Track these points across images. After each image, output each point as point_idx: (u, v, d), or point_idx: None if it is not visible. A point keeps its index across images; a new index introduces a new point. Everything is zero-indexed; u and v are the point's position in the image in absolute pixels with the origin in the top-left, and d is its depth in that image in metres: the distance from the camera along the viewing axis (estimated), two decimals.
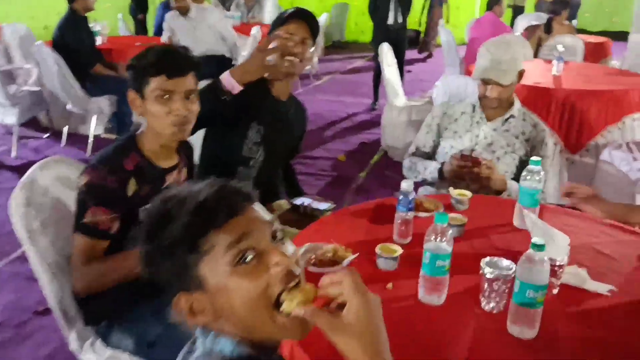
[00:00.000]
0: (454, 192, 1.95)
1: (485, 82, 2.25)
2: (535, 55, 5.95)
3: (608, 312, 1.38)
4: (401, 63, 6.50)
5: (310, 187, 4.06)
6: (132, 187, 1.60)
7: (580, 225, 1.79)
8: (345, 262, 1.50)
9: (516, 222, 1.80)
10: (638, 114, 3.87)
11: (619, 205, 1.84)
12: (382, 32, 6.25)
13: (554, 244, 1.38)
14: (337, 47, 12.01)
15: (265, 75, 1.98)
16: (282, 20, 2.06)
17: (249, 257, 0.85)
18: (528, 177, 1.76)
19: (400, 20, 6.33)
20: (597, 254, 1.64)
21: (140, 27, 8.38)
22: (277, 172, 2.28)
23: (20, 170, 4.14)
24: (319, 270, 1.46)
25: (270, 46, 1.91)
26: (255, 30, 5.96)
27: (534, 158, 1.76)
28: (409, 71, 8.64)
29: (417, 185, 2.51)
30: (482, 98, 2.33)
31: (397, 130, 4.62)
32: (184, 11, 5.32)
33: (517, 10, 11.26)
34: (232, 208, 0.87)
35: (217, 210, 0.85)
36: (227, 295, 0.84)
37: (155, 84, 1.57)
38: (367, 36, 12.61)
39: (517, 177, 2.33)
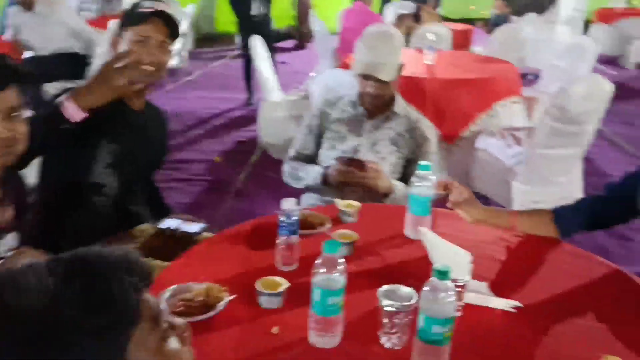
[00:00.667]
0: (342, 203, 1.76)
1: (366, 77, 2.10)
2: (406, 45, 6.01)
3: (516, 333, 1.26)
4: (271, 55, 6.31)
5: (184, 195, 3.74)
6: None
7: (475, 232, 1.69)
8: (221, 305, 1.25)
9: (408, 232, 1.65)
10: (505, 100, 3.96)
11: (488, 210, 1.73)
12: (247, 23, 6.01)
13: (455, 263, 1.24)
14: (208, 39, 11.54)
15: None
16: (135, 19, 1.75)
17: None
18: (417, 184, 1.61)
19: (263, 10, 6.14)
20: (496, 264, 1.53)
21: None
22: (137, 195, 1.96)
23: None
24: (188, 320, 1.20)
25: (120, 64, 1.58)
26: (112, 24, 5.43)
27: (422, 162, 1.63)
28: (283, 62, 8.47)
29: (300, 192, 2.33)
30: (362, 95, 2.17)
31: (275, 127, 4.41)
32: (28, 5, 4.70)
33: None
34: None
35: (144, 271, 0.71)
36: None
37: None
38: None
39: (403, 177, 2.22)
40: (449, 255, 1.26)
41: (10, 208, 1.39)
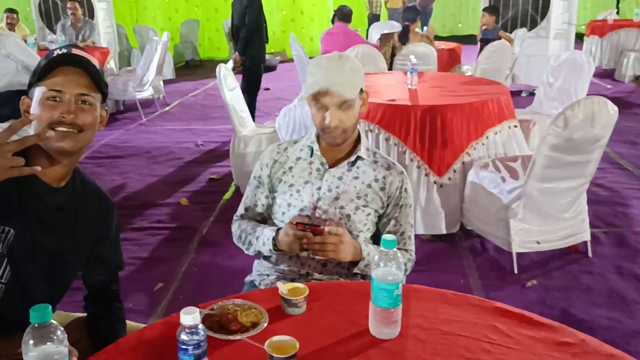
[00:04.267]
0: (284, 288, 1.35)
1: (323, 103, 1.67)
2: (390, 67, 5.64)
3: None
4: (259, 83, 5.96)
5: (141, 248, 3.30)
6: None
7: (464, 320, 1.27)
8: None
9: (372, 330, 1.24)
10: (499, 126, 3.57)
11: None
12: (261, 37, 5.68)
13: None
14: (191, 67, 11.24)
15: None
16: (44, 69, 1.31)
17: None
18: (381, 265, 1.20)
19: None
20: None
21: None
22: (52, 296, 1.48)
23: None
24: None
25: (14, 138, 1.11)
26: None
27: (387, 237, 1.22)
28: (267, 89, 8.11)
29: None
30: (321, 130, 1.74)
31: (247, 164, 4.01)
32: None
33: (374, 19, 11.19)
34: None
35: None
36: None
37: None
38: (223, 53, 12.00)
39: (375, 237, 1.81)
40: None
41: None
